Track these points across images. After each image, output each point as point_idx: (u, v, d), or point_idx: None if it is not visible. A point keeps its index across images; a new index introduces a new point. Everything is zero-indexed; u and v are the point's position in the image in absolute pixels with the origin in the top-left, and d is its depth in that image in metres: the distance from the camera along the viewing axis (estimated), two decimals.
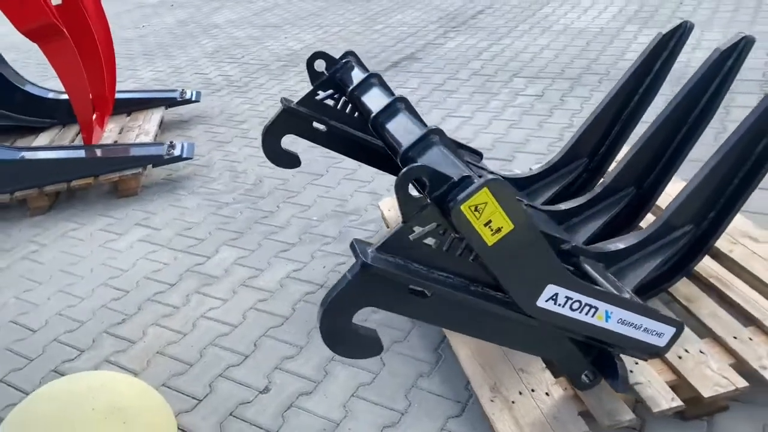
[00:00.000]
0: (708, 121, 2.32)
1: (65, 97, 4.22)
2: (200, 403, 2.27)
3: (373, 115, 2.06)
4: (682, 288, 2.25)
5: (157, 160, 3.90)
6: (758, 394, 1.97)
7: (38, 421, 1.94)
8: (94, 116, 4.30)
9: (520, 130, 4.08)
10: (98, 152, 3.95)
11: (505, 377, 1.98)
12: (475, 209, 1.45)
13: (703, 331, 2.08)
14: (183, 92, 4.95)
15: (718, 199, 2.15)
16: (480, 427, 1.99)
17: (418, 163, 1.49)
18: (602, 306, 1.69)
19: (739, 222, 2.54)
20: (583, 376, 1.86)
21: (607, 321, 1.72)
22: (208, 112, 5.15)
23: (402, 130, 1.94)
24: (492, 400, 1.91)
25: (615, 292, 1.85)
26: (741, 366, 1.92)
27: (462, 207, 1.43)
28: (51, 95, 4.64)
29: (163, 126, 4.88)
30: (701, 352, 1.97)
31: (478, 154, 2.96)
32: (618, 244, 2.13)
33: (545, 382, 1.95)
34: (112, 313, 2.82)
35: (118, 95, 4.68)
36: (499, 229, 1.48)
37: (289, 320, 2.63)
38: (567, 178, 2.67)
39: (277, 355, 2.45)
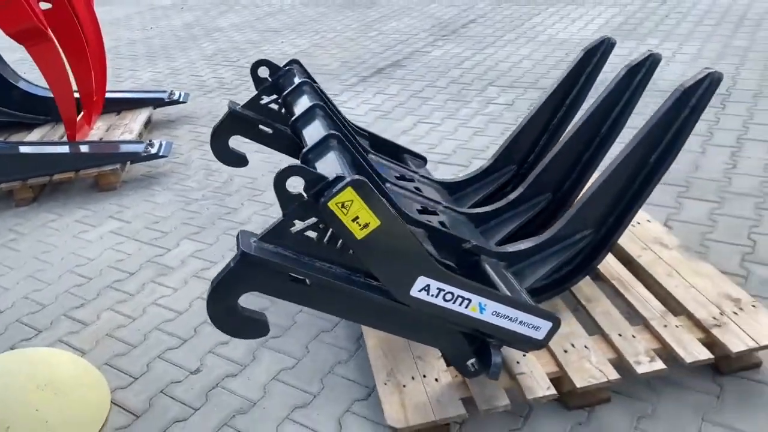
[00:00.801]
0: (618, 132, 2.47)
1: None
2: (135, 381, 2.46)
3: (292, 119, 2.24)
4: (586, 288, 2.39)
5: (135, 157, 4.12)
6: (639, 389, 2.11)
7: None
8: (82, 114, 4.54)
9: (483, 137, 4.23)
10: (80, 148, 4.18)
11: (402, 364, 2.14)
12: (342, 206, 1.61)
13: (595, 329, 2.22)
14: (171, 93, 5.17)
15: (616, 205, 2.29)
16: (380, 409, 2.14)
17: (295, 164, 1.66)
18: (475, 298, 1.84)
19: (653, 229, 2.68)
20: (468, 364, 2.01)
21: (481, 313, 1.87)
22: (196, 112, 5.37)
23: (313, 134, 2.12)
24: (385, 384, 2.07)
25: (503, 288, 2.01)
26: (619, 361, 2.06)
27: (329, 203, 1.61)
28: (44, 93, 4.87)
29: (151, 125, 5.12)
30: (586, 347, 2.11)
31: (422, 159, 3.14)
32: (520, 245, 2.28)
33: (437, 369, 2.10)
34: (73, 298, 3.03)
35: (108, 95, 4.92)
36: (366, 225, 1.65)
37: None
38: (496, 183, 2.83)
39: (213, 341, 2.63)
